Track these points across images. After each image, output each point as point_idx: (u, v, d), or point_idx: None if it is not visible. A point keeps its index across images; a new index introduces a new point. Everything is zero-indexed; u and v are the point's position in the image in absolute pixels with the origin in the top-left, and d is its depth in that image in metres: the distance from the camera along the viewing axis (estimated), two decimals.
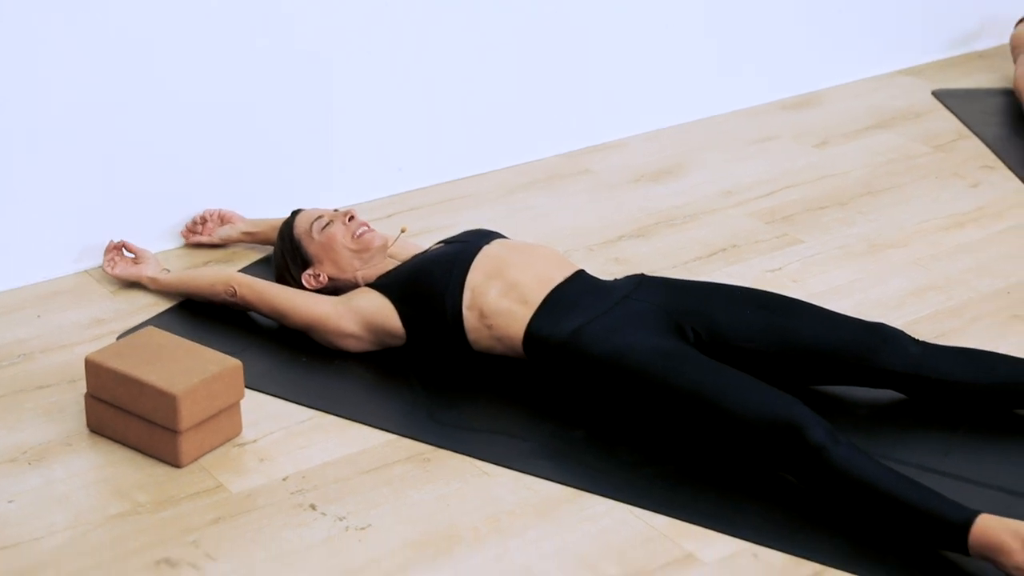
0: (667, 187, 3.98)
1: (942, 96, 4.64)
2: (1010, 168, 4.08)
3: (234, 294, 3.12)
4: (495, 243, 3.02)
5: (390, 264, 3.13)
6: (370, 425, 2.83)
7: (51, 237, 3.39)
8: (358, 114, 3.81)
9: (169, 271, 3.32)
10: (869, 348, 2.81)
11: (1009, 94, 4.61)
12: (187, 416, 2.66)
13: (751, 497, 2.59)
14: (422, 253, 3.10)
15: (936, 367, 2.80)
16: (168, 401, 2.65)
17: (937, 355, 2.82)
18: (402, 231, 3.18)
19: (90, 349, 3.01)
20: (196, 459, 2.72)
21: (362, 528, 2.53)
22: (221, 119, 3.57)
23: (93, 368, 2.74)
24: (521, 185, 3.98)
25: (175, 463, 2.69)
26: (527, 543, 2.49)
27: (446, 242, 3.11)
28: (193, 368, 2.71)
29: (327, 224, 3.12)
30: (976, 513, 2.36)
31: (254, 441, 2.78)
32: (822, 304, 3.17)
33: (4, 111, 3.25)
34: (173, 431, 2.67)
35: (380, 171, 3.88)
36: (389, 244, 3.19)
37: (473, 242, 3.02)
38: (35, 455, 2.73)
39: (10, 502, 2.59)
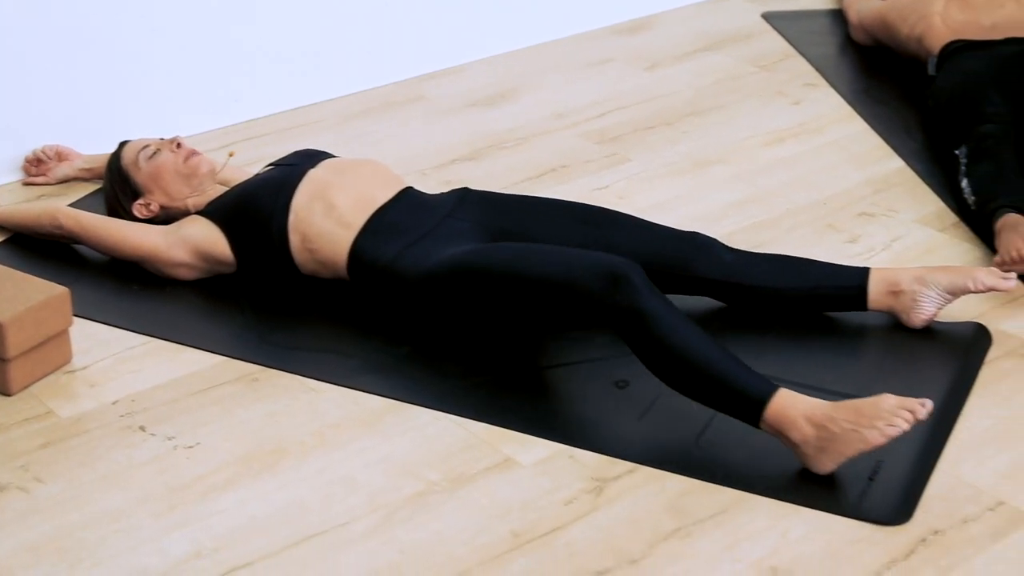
0: (501, 111, 4.05)
1: (771, 18, 4.76)
2: (832, 85, 4.20)
3: (60, 227, 3.13)
4: (321, 164, 3.06)
5: (220, 191, 3.16)
6: (200, 348, 2.88)
7: None
8: (194, 44, 3.82)
9: None
10: (685, 257, 2.91)
11: (836, 14, 4.73)
12: (14, 344, 2.69)
13: (565, 402, 2.69)
14: (252, 178, 3.14)
15: (749, 274, 2.91)
16: None
17: (750, 262, 2.93)
18: (230, 156, 3.21)
19: None
20: (26, 387, 2.74)
21: (190, 447, 2.59)
22: (53, 51, 3.56)
23: None
24: (357, 113, 4.02)
25: (4, 391, 2.72)
26: (351, 454, 2.57)
27: (275, 164, 3.14)
28: (19, 296, 2.73)
29: (154, 153, 3.15)
30: (775, 389, 2.48)
31: (84, 368, 2.82)
32: (651, 218, 3.28)
33: None
34: (1, 360, 2.70)
35: (216, 102, 3.89)
36: (218, 170, 3.22)
37: (300, 164, 3.06)
38: None
39: None
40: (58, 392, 2.74)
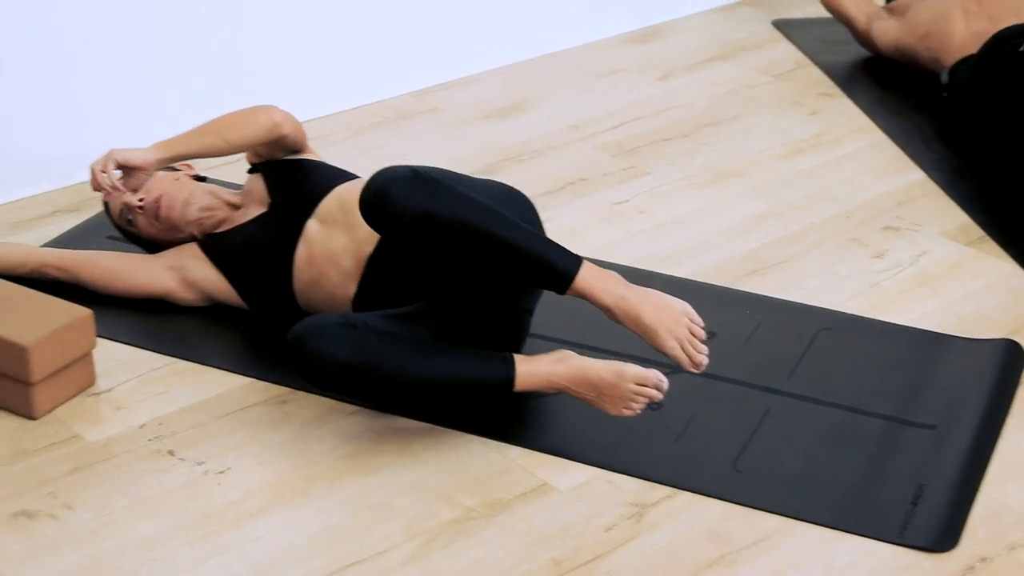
0: (515, 123, 4.02)
1: (782, 26, 4.73)
2: (848, 95, 4.18)
3: (47, 275, 3.03)
4: (310, 230, 2.85)
5: (214, 203, 3.02)
6: (226, 369, 2.84)
7: None
8: (204, 56, 3.78)
9: None
10: None
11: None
12: (39, 367, 2.65)
13: (599, 425, 2.65)
14: (252, 232, 2.95)
15: None
16: (18, 353, 2.63)
17: None
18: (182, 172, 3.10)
19: None
20: (50, 410, 2.71)
21: (221, 472, 2.55)
22: (58, 66, 3.53)
23: None
24: (369, 125, 3.99)
25: (29, 415, 2.68)
26: (385, 479, 2.53)
27: (269, 208, 2.94)
28: (42, 318, 2.69)
29: (129, 220, 3.04)
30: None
31: (109, 390, 2.78)
32: (670, 233, 3.27)
33: None
34: (26, 383, 2.66)
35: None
36: (189, 198, 3.01)
37: (289, 230, 2.87)
38: None
39: None
40: (84, 415, 2.70)
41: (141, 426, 2.67)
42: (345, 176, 2.97)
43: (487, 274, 2.62)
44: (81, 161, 3.11)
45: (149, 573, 2.31)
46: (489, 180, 2.81)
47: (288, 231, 2.87)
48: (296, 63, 3.96)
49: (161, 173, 3.05)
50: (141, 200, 2.99)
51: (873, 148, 3.84)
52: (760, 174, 3.69)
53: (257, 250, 2.90)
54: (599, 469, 2.55)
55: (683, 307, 2.52)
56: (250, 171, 3.02)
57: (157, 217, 2.99)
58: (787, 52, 4.52)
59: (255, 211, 2.96)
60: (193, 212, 3.00)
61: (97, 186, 2.82)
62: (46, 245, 3.26)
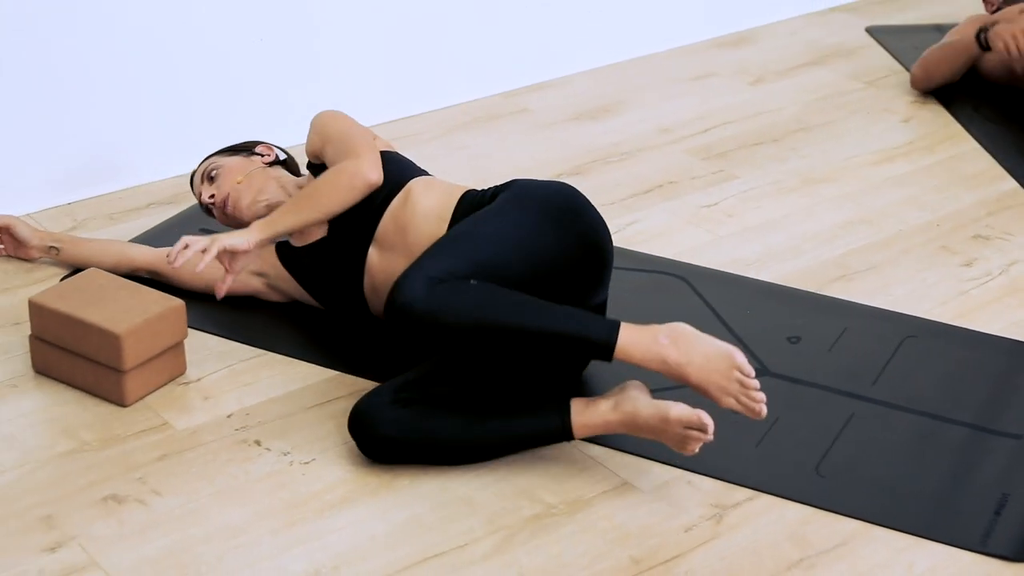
0: (605, 125, 4.03)
1: (875, 32, 4.70)
2: (941, 103, 4.14)
3: (139, 271, 3.08)
4: (371, 261, 2.85)
5: (282, 198, 3.01)
6: (313, 363, 2.88)
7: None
8: (296, 55, 3.83)
9: (58, 249, 3.14)
10: None
11: (941, 31, 4.67)
12: (131, 356, 2.70)
13: None
14: (314, 250, 2.93)
15: None
16: (112, 341, 2.68)
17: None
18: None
19: (32, 291, 3.04)
20: (141, 398, 2.76)
21: (306, 462, 2.58)
22: (150, 64, 3.59)
23: (37, 310, 2.77)
24: (460, 125, 4.02)
25: (120, 402, 2.74)
26: (467, 474, 2.55)
27: (328, 234, 2.91)
28: (136, 308, 2.75)
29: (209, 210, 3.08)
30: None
31: (198, 380, 2.83)
32: (758, 237, 3.27)
33: None
34: (118, 371, 2.71)
35: (317, 111, 3.88)
36: (257, 196, 3.00)
37: (353, 262, 2.87)
38: None
39: None
40: (173, 404, 2.75)
41: (229, 416, 2.72)
42: (403, 177, 2.88)
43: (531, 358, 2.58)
44: (177, 154, 3.17)
45: (233, 560, 2.34)
46: (517, 189, 2.75)
47: (352, 263, 2.87)
48: (387, 62, 4.00)
49: (235, 160, 3.06)
50: (212, 197, 3.03)
51: (965, 157, 3.81)
52: (850, 180, 3.68)
53: (327, 281, 2.93)
54: (680, 470, 2.56)
55: (728, 358, 2.41)
56: (309, 167, 3.02)
57: (225, 213, 3.04)
58: (881, 59, 4.50)
59: (318, 228, 2.93)
60: (260, 208, 3.01)
61: (177, 260, 2.75)
62: (141, 236, 3.32)
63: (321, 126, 2.93)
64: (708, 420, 2.41)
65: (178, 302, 2.79)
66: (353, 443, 2.59)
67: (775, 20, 4.80)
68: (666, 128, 4.00)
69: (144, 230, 3.38)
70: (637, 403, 2.49)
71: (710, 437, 2.42)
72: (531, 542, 2.39)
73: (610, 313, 2.96)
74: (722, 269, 3.22)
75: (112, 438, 2.65)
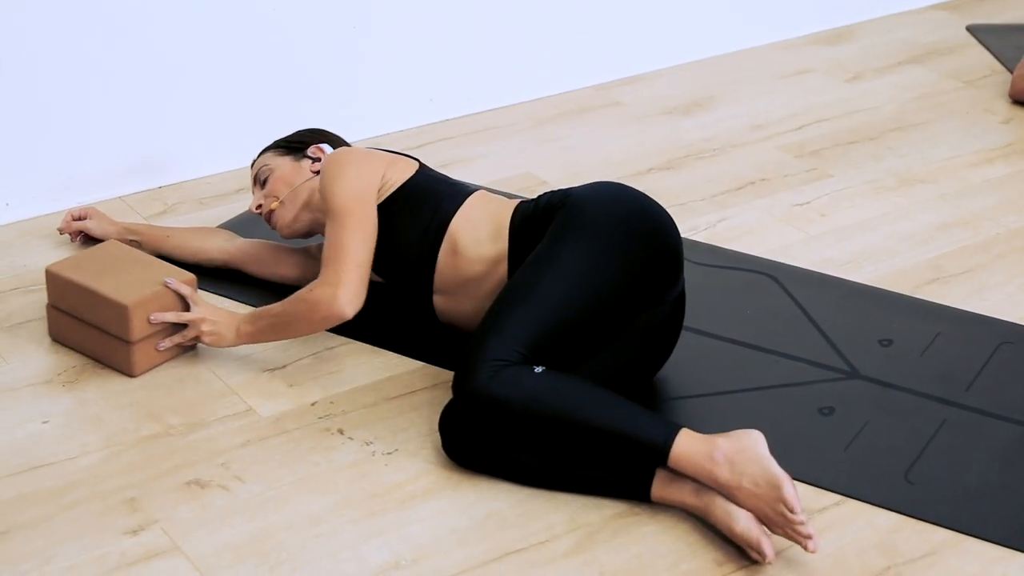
0: (697, 120, 3.99)
1: (975, 31, 4.62)
2: None
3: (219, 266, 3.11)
4: (439, 305, 2.83)
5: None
6: (398, 353, 2.87)
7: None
8: (389, 44, 3.82)
9: (139, 241, 3.12)
10: None
11: None
12: (138, 327, 2.71)
13: (768, 427, 2.60)
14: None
15: None
16: (120, 311, 2.69)
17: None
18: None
19: None
20: (149, 370, 2.77)
21: (388, 453, 2.58)
22: (252, 46, 3.59)
23: (52, 278, 2.79)
24: (551, 117, 3.99)
25: (129, 373, 2.75)
26: None
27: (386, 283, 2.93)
28: (146, 280, 2.75)
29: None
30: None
31: (284, 367, 2.83)
32: (851, 237, 3.22)
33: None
34: (126, 341, 2.72)
35: (411, 101, 3.90)
36: (297, 216, 2.95)
37: (420, 296, 2.84)
38: (69, 376, 2.78)
39: (44, 422, 2.65)
40: (259, 390, 2.75)
41: (312, 404, 2.71)
42: (440, 216, 2.78)
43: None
44: (264, 140, 3.16)
45: (313, 548, 2.34)
46: (582, 190, 2.69)
47: (419, 307, 2.86)
48: (480, 53, 3.98)
49: (286, 165, 2.97)
50: (259, 208, 2.98)
51: None
52: (947, 181, 3.61)
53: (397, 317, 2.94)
54: None
55: (776, 489, 2.27)
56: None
57: (272, 228, 2.99)
58: (981, 58, 4.41)
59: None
60: (300, 228, 2.96)
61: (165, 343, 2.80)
62: (229, 222, 3.33)
63: (328, 182, 2.76)
64: (768, 551, 2.29)
65: (189, 275, 2.80)
66: (436, 436, 2.58)
67: (873, 17, 4.73)
68: (759, 124, 3.95)
69: (234, 215, 3.38)
70: (714, 502, 2.37)
71: (765, 563, 2.30)
72: (612, 541, 2.36)
73: (697, 311, 2.94)
74: (813, 269, 3.17)
75: (197, 423, 2.65)
